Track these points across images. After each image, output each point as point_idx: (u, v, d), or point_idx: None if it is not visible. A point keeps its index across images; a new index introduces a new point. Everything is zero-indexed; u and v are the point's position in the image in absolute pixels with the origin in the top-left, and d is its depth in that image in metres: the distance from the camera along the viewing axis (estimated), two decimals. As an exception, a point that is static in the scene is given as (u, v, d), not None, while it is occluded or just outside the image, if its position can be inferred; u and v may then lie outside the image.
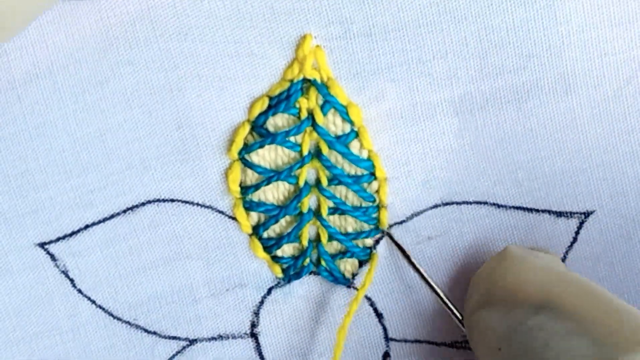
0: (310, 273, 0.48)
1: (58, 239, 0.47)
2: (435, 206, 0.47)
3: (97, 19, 0.43)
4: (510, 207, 0.47)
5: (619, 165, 0.46)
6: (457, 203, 0.47)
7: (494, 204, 0.47)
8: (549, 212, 0.47)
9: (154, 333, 0.49)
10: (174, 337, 0.49)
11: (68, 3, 0.43)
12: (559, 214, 0.47)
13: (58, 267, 0.47)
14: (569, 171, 0.46)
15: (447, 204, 0.47)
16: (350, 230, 0.48)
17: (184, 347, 0.49)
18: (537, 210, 0.47)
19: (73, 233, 0.47)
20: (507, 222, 0.47)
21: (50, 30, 0.43)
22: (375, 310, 0.49)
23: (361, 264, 0.48)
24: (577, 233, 0.47)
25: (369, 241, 0.48)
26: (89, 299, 0.48)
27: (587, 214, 0.47)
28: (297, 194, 0.46)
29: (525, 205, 0.47)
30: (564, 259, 0.48)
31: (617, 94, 0.44)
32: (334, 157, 0.46)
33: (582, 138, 0.45)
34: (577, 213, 0.47)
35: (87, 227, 0.47)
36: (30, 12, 0.40)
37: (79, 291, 0.48)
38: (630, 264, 0.48)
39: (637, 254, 0.47)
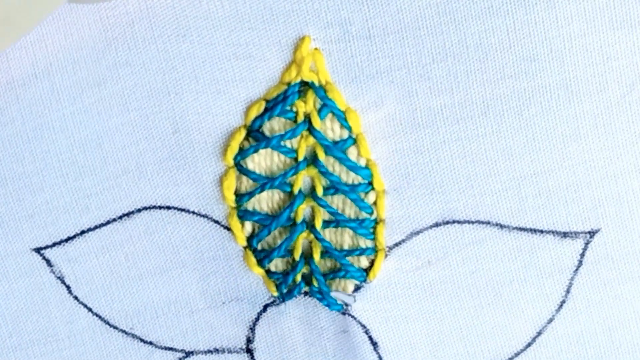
0: (305, 294, 0.47)
1: (54, 244, 0.47)
2: (436, 225, 0.46)
3: (95, 19, 0.43)
4: (513, 228, 0.46)
5: (623, 177, 0.45)
6: (459, 222, 0.46)
7: (497, 224, 0.45)
8: (554, 232, 0.46)
9: (150, 343, 0.49)
10: (170, 348, 0.49)
11: (66, 4, 0.43)
12: (564, 235, 0.46)
13: (54, 273, 0.47)
14: (573, 185, 0.45)
15: (448, 222, 0.46)
16: (345, 247, 0.46)
17: (179, 359, 0.49)
18: (542, 231, 0.45)
19: (69, 238, 0.47)
20: (510, 245, 0.46)
21: (49, 30, 0.44)
22: (370, 338, 0.48)
23: (356, 288, 0.47)
24: (582, 255, 0.46)
25: (365, 261, 0.46)
26: (85, 306, 0.48)
27: (592, 233, 0.45)
28: (290, 203, 0.45)
29: (529, 226, 0.45)
30: (569, 286, 0.47)
31: (621, 101, 0.43)
32: (331, 165, 0.45)
33: (586, 148, 0.44)
34: (582, 232, 0.45)
35: (82, 232, 0.47)
36: (36, 16, 0.40)
37: (75, 298, 0.48)
38: (637, 285, 0.46)
39: None
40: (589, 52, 0.42)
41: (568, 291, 0.46)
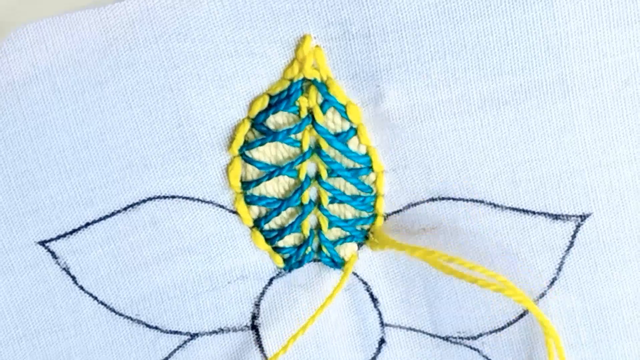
0: (310, 261, 0.49)
1: (59, 237, 0.47)
2: (432, 199, 0.47)
3: (96, 19, 0.43)
4: (506, 208, 0.47)
5: (616, 167, 0.46)
6: (454, 199, 0.47)
7: (490, 204, 0.47)
8: (545, 214, 0.47)
9: (156, 328, 0.49)
10: (176, 332, 0.50)
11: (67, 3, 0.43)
12: (556, 217, 0.47)
13: (59, 264, 0.48)
14: (566, 172, 0.46)
15: (443, 198, 0.47)
16: (349, 216, 0.48)
17: (185, 342, 0.50)
18: (534, 212, 0.47)
19: (74, 231, 0.47)
20: (502, 222, 0.47)
21: (49, 31, 0.43)
22: (371, 295, 0.50)
23: (359, 246, 0.49)
24: (573, 237, 0.47)
25: (367, 226, 0.48)
26: (90, 295, 0.48)
27: (583, 217, 0.47)
28: (299, 187, 0.47)
29: (521, 207, 0.47)
30: (560, 264, 0.48)
31: (616, 96, 0.44)
32: (333, 152, 0.46)
33: (580, 139, 0.45)
34: (573, 216, 0.47)
35: (87, 224, 0.47)
36: None
37: (81, 288, 0.48)
38: (628, 269, 0.48)
39: (635, 259, 0.47)
40: (585, 49, 0.43)
41: (560, 269, 0.48)
